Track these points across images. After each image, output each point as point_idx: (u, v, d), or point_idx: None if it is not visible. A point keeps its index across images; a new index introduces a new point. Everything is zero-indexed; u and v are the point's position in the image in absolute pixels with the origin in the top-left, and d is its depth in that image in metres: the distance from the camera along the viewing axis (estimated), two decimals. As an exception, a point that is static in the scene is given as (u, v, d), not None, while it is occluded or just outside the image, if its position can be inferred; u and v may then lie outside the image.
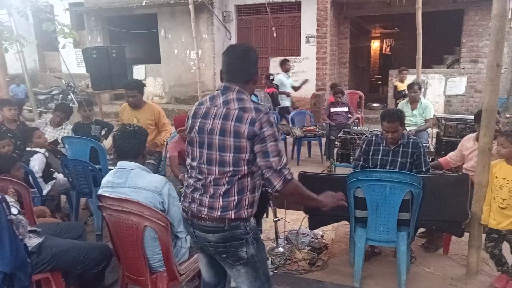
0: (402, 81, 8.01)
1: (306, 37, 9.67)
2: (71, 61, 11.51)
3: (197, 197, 1.91)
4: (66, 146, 4.42)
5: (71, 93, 9.85)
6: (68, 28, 5.58)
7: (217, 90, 1.97)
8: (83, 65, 9.65)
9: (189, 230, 2.02)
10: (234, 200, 1.86)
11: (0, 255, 1.88)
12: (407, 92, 7.07)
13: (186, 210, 1.97)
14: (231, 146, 1.82)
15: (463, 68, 9.07)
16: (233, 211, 1.85)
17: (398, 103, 7.51)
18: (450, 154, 3.72)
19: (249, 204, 1.90)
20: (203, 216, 1.88)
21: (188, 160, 2.00)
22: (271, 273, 3.23)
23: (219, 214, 1.85)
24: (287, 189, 1.83)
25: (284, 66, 7.72)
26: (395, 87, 8.27)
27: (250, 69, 1.94)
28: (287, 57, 8.45)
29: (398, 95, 7.95)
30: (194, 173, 1.95)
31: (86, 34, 11.80)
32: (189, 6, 8.31)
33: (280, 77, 7.62)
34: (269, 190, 1.96)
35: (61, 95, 9.94)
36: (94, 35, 11.82)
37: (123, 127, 2.48)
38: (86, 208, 4.46)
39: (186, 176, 2.04)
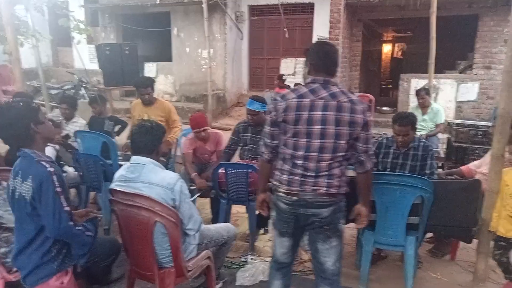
0: None
1: (318, 38, 9.64)
2: (84, 57, 11.55)
3: (311, 180, 2.16)
4: (78, 140, 4.47)
5: (83, 89, 9.95)
6: (83, 24, 5.66)
7: (313, 83, 2.18)
8: (96, 61, 9.74)
9: (299, 211, 2.22)
10: (343, 178, 2.22)
11: (46, 222, 2.06)
12: None
13: (297, 193, 2.18)
14: (346, 134, 2.12)
15: (476, 74, 8.97)
16: (343, 188, 2.23)
17: None
18: (475, 162, 3.66)
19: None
20: (320, 193, 2.16)
21: (289, 151, 2.19)
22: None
23: (335, 190, 2.18)
24: (371, 170, 2.28)
25: None
26: None
27: (338, 63, 2.29)
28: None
29: None
30: (299, 161, 2.17)
31: (99, 31, 11.91)
32: (203, 6, 8.37)
33: None
34: (359, 170, 2.27)
35: (73, 90, 10.05)
36: (107, 32, 11.93)
37: (141, 122, 2.51)
38: (95, 202, 4.51)
39: (285, 165, 2.22)
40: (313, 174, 2.16)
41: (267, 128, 2.27)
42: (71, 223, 2.11)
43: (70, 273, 2.26)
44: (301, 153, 2.16)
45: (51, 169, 2.06)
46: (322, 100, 2.12)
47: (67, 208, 2.08)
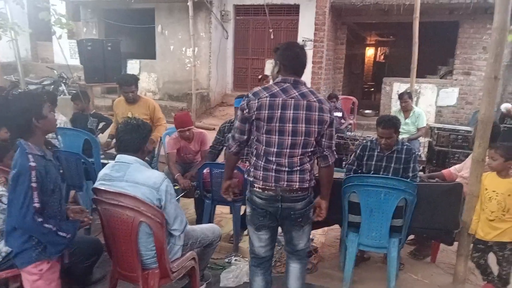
0: None
1: (303, 40, 9.67)
2: (64, 52, 11.33)
3: (285, 176, 2.28)
4: (59, 137, 4.36)
5: (63, 85, 9.71)
6: (65, 19, 5.52)
7: (283, 82, 2.27)
8: (77, 56, 9.52)
9: (275, 206, 2.33)
10: (312, 172, 2.37)
11: (13, 212, 2.11)
12: None
13: (273, 188, 2.29)
14: (315, 131, 2.26)
15: (456, 80, 9.18)
16: (313, 181, 2.38)
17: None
18: (456, 165, 3.71)
19: None
20: (294, 188, 2.30)
21: (262, 146, 2.29)
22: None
23: (307, 184, 2.33)
24: (333, 164, 2.40)
25: None
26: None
27: (306, 65, 2.38)
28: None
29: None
30: (272, 157, 2.27)
31: (81, 26, 11.66)
32: (188, 3, 8.29)
33: None
34: (322, 164, 2.40)
35: (52, 86, 9.79)
36: (89, 27, 11.69)
37: (127, 120, 2.46)
38: (75, 201, 4.40)
39: (259, 161, 2.32)
40: (287, 170, 2.28)
41: (237, 123, 2.35)
42: (40, 219, 2.11)
43: (51, 262, 2.26)
44: (273, 149, 2.27)
45: (33, 164, 2.10)
46: (292, 99, 2.23)
47: (36, 205, 2.09)
